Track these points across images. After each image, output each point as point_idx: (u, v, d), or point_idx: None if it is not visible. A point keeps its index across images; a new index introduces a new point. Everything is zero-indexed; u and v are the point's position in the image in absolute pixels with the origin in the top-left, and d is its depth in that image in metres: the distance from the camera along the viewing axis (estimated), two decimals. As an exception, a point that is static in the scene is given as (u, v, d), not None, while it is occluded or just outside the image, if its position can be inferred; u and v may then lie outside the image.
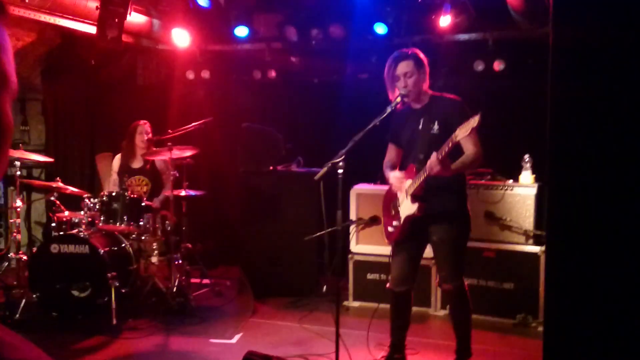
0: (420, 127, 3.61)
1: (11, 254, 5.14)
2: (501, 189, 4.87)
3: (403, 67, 3.59)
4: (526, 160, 4.92)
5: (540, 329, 4.51)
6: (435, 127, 3.54)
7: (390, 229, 3.75)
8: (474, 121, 3.11)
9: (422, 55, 3.65)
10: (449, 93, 3.69)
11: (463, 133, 3.18)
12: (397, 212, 3.68)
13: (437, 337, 4.40)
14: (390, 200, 3.79)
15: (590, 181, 2.07)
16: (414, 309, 4.78)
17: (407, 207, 3.58)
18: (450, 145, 3.26)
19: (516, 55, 5.46)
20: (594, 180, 2.07)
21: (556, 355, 2.18)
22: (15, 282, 4.98)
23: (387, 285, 3.78)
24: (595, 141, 2.06)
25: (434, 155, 3.29)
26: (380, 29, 5.57)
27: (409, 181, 3.58)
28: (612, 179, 2.04)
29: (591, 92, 2.05)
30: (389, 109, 3.54)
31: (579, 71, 2.06)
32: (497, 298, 4.80)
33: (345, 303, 5.17)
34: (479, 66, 5.57)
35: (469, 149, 3.46)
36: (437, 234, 3.57)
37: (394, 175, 3.69)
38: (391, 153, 3.87)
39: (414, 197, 3.52)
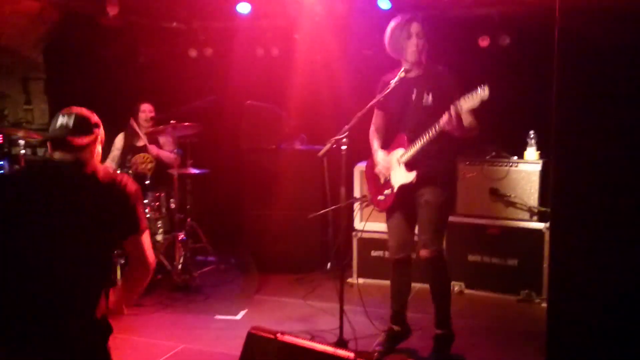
0: (414, 97, 3.55)
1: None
2: (506, 166, 4.85)
3: (417, 27, 3.52)
4: (531, 137, 4.89)
5: (544, 305, 4.52)
6: (430, 98, 3.51)
7: (380, 197, 3.72)
8: (484, 94, 3.10)
9: (428, 23, 3.59)
10: (451, 68, 3.62)
11: (469, 103, 3.16)
12: (388, 181, 3.65)
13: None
14: (373, 169, 3.76)
15: (594, 157, 2.06)
16: (420, 285, 4.82)
17: (401, 176, 3.56)
18: (454, 114, 3.23)
19: (522, 31, 5.39)
20: (598, 157, 2.06)
21: (560, 331, 2.19)
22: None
23: (387, 254, 3.76)
24: (600, 118, 2.05)
25: (447, 114, 3.25)
26: (384, 4, 5.50)
27: (400, 150, 3.56)
28: (616, 155, 2.03)
29: (596, 69, 2.03)
30: (392, 84, 3.51)
31: (584, 47, 2.04)
32: (501, 274, 4.81)
33: (350, 280, 5.19)
34: (484, 41, 5.51)
35: (468, 118, 3.42)
36: (426, 196, 3.53)
37: (382, 158, 3.67)
38: (378, 120, 3.81)
39: (408, 166, 3.52)
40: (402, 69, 3.55)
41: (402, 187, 3.57)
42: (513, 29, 5.41)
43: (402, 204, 3.63)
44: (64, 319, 2.22)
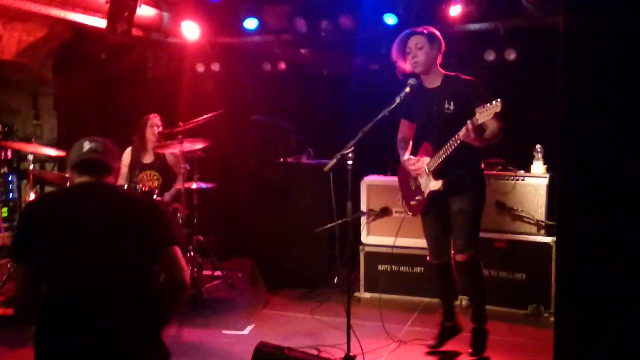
0: (435, 107, 3.69)
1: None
2: (512, 180, 4.84)
3: (414, 40, 3.67)
4: (538, 150, 4.88)
5: (552, 319, 4.49)
6: (451, 106, 3.63)
7: (412, 202, 3.91)
8: (496, 107, 3.23)
9: (437, 33, 3.72)
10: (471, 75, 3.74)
11: (484, 117, 3.29)
12: (419, 187, 3.82)
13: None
14: (406, 175, 3.91)
15: (601, 171, 2.06)
16: (428, 299, 4.81)
17: (429, 183, 3.72)
18: (471, 127, 3.33)
19: (527, 45, 5.41)
20: (605, 170, 2.05)
21: (568, 345, 2.17)
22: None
23: (427, 258, 3.99)
24: (607, 131, 2.04)
25: (465, 128, 3.37)
26: (390, 19, 5.54)
27: (427, 159, 3.71)
28: (624, 169, 2.03)
29: (603, 81, 2.03)
30: (397, 99, 3.59)
31: (590, 60, 2.04)
32: (508, 289, 4.78)
33: (357, 294, 5.18)
34: (490, 56, 5.53)
35: (492, 123, 3.53)
36: (457, 203, 3.69)
37: (410, 166, 3.82)
38: (404, 129, 3.98)
39: (435, 174, 3.66)
40: (409, 83, 3.63)
41: (432, 194, 3.72)
42: (519, 43, 5.43)
43: (435, 211, 3.80)
44: (116, 319, 2.35)
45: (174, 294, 2.53)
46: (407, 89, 3.61)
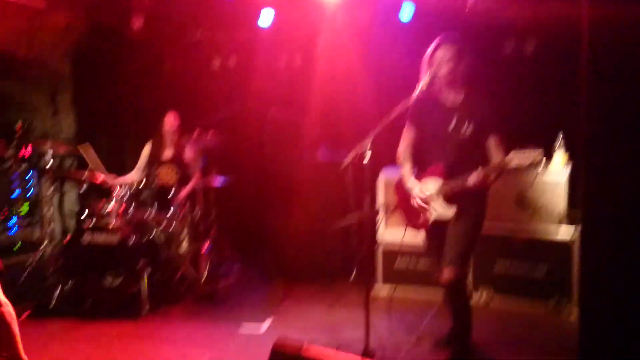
0: (453, 126, 3.49)
1: (45, 244, 5.24)
2: (532, 173, 4.77)
3: (444, 50, 3.45)
4: (558, 143, 4.81)
5: (574, 313, 4.43)
6: (469, 129, 3.46)
7: (415, 219, 3.70)
8: (538, 157, 3.07)
9: (469, 45, 3.50)
10: (480, 82, 3.53)
11: (519, 163, 3.13)
12: (425, 208, 3.60)
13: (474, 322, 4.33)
14: (405, 189, 3.70)
15: (626, 163, 2.01)
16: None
17: (440, 207, 3.54)
18: (499, 170, 3.26)
19: (547, 35, 5.32)
20: (631, 163, 2.01)
21: (591, 339, 2.13)
22: (49, 271, 5.08)
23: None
24: (631, 121, 2.00)
25: (479, 175, 3.29)
26: (406, 15, 5.50)
27: (438, 180, 3.52)
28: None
29: (626, 70, 1.98)
30: (415, 94, 3.48)
31: (613, 49, 1.99)
32: (529, 283, 4.73)
33: (375, 288, 5.16)
34: (509, 47, 5.45)
35: (498, 155, 3.40)
36: (461, 224, 3.51)
37: (416, 185, 3.63)
38: (410, 136, 3.75)
39: (448, 199, 3.50)
40: (429, 74, 3.48)
41: (439, 217, 3.55)
42: (538, 34, 5.34)
43: (438, 230, 3.60)
44: None
45: None
46: (427, 79, 3.45)
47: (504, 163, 3.22)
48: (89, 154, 5.46)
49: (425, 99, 3.54)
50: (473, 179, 3.31)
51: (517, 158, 3.14)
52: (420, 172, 3.67)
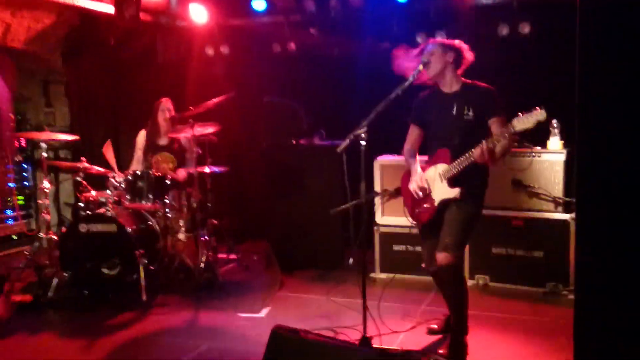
0: (454, 111, 3.57)
1: (42, 234, 5.23)
2: (529, 156, 4.77)
3: (427, 51, 3.62)
4: (554, 126, 4.80)
5: (571, 297, 4.45)
6: (470, 113, 3.53)
7: (418, 210, 3.73)
8: (540, 115, 3.08)
9: (455, 43, 3.62)
10: (490, 85, 3.61)
11: (524, 126, 3.14)
12: (428, 195, 3.64)
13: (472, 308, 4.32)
14: (409, 184, 3.74)
15: (620, 144, 2.00)
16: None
17: (444, 191, 3.55)
18: (507, 136, 3.25)
19: (542, 18, 5.29)
20: (624, 146, 2.00)
21: (587, 323, 2.13)
22: (46, 262, 5.07)
23: (423, 265, 3.86)
24: (625, 104, 1.99)
25: (483, 146, 3.28)
26: (401, -5, 5.45)
27: (444, 165, 3.55)
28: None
29: (620, 53, 1.97)
30: (411, 78, 3.52)
31: (607, 32, 1.98)
32: (526, 267, 4.74)
33: (372, 275, 5.17)
34: (504, 30, 5.43)
35: (505, 139, 3.38)
36: (461, 207, 3.52)
37: (422, 174, 3.68)
38: (413, 135, 3.85)
39: (452, 181, 3.52)
40: (422, 61, 3.57)
41: (444, 202, 3.57)
42: (533, 17, 5.31)
43: (438, 218, 3.61)
44: None
45: None
46: (420, 67, 3.53)
47: (509, 129, 3.21)
48: (108, 152, 5.45)
49: (425, 99, 3.69)
50: (478, 151, 3.31)
51: (521, 122, 3.15)
52: (429, 159, 3.73)
